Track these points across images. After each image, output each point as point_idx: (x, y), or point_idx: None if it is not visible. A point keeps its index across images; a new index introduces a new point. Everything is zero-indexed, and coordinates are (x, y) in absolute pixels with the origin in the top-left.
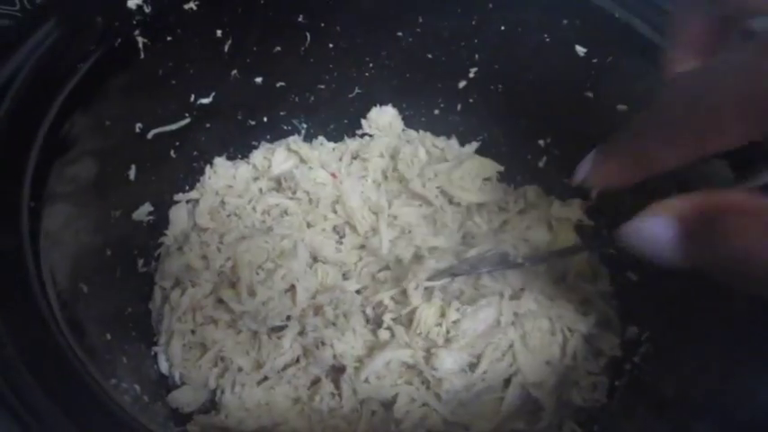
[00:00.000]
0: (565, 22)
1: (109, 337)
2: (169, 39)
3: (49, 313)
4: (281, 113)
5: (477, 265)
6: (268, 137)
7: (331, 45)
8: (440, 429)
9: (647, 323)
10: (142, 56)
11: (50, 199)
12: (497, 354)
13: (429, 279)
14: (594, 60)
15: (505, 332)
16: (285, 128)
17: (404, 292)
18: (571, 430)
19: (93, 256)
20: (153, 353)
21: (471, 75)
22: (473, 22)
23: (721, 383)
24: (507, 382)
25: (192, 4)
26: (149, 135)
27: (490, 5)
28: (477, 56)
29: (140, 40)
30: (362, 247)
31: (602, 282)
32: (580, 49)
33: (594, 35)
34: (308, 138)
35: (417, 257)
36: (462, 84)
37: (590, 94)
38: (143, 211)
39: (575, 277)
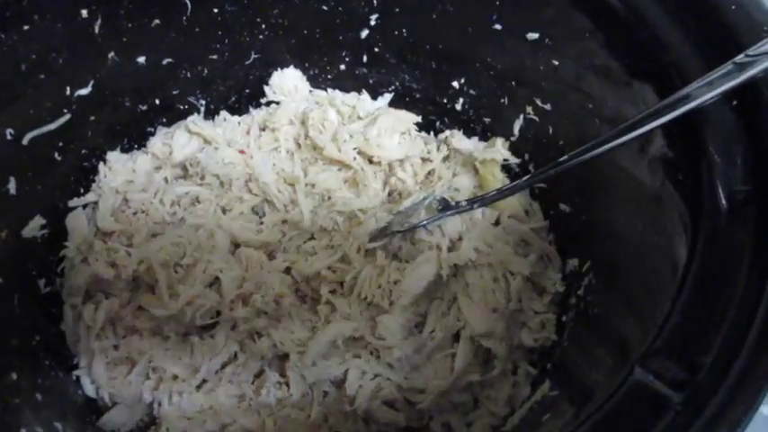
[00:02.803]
0: None
1: (14, 376)
2: (26, 28)
3: None
4: (174, 92)
5: (415, 218)
6: (164, 120)
7: (216, 10)
8: (395, 398)
9: (586, 253)
10: None
11: None
12: (443, 308)
13: (371, 240)
14: None
15: (448, 286)
16: (181, 108)
17: (342, 259)
18: (525, 371)
19: None
20: (74, 377)
21: (372, 22)
22: None
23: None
24: (456, 336)
25: None
26: (25, 140)
27: None
28: (375, 1)
29: None
30: (284, 222)
31: (535, 218)
32: None
33: None
34: (209, 115)
35: (351, 220)
36: (365, 33)
37: (498, 26)
38: (34, 226)
39: (508, 218)
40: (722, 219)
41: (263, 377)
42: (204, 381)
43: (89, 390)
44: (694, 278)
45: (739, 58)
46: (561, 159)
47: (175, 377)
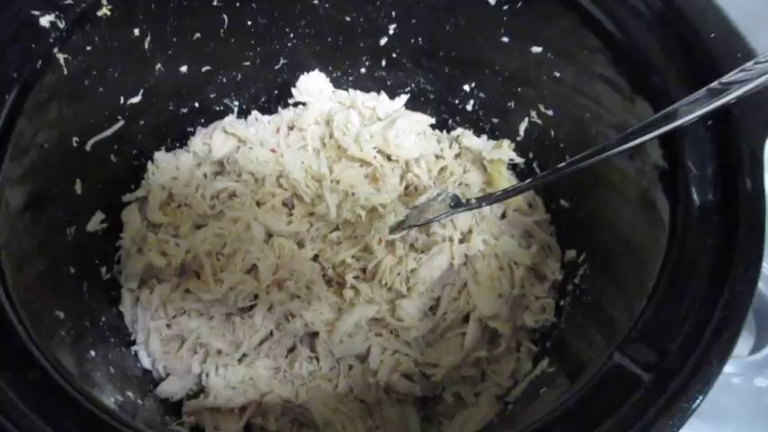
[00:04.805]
0: None
1: (93, 353)
2: (89, 48)
3: (37, 353)
4: (212, 96)
5: (430, 213)
6: (202, 121)
7: (249, 22)
8: (412, 371)
9: (582, 245)
10: (65, 71)
11: (7, 233)
12: (454, 293)
13: (391, 232)
14: (505, 7)
15: (459, 273)
16: (217, 109)
17: (365, 249)
18: (527, 349)
19: (59, 278)
20: (133, 352)
21: (391, 31)
22: None
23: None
24: (466, 318)
25: (104, 10)
26: (87, 146)
27: None
28: (393, 13)
29: (60, 56)
30: (312, 214)
31: (538, 212)
32: None
33: None
34: (242, 114)
35: (373, 213)
36: (384, 40)
37: (505, 39)
38: (96, 221)
39: (513, 212)
40: (694, 224)
41: (296, 352)
42: (245, 355)
43: (146, 363)
44: (669, 275)
45: (714, 84)
46: (561, 166)
47: (220, 352)
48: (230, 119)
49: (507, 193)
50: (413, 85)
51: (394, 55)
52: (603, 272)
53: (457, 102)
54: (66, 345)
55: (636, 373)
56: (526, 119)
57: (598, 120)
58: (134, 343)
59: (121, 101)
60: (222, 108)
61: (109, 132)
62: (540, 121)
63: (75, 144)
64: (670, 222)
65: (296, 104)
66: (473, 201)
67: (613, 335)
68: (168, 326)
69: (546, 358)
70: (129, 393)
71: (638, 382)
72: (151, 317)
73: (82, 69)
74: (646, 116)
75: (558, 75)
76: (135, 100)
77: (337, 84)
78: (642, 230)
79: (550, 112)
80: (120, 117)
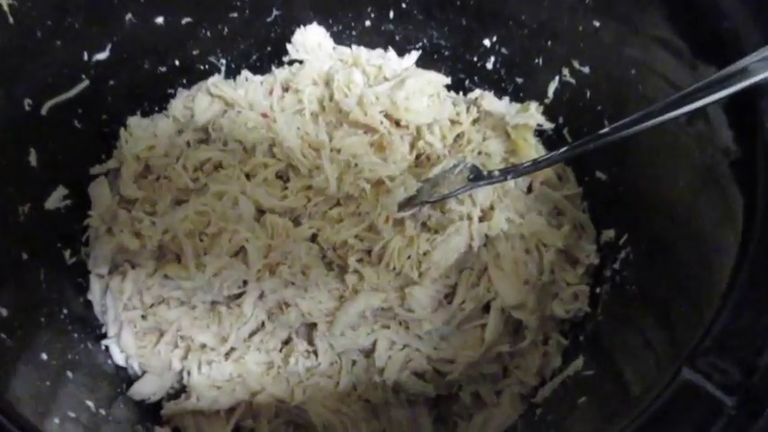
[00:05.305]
0: None
1: (44, 357)
2: None
3: None
4: (194, 53)
5: (445, 187)
6: (184, 81)
7: None
8: (425, 369)
9: (623, 225)
10: (10, 20)
11: None
12: (473, 279)
13: (399, 209)
14: None
15: (478, 257)
16: (202, 68)
17: (370, 228)
18: (557, 342)
19: (6, 266)
20: (104, 347)
21: None
22: None
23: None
24: (486, 307)
25: None
26: (43, 110)
27: None
28: None
29: (3, 1)
30: (309, 188)
31: (569, 185)
32: None
33: None
34: (230, 74)
35: (379, 187)
36: None
37: None
38: (57, 197)
39: (541, 186)
40: None
41: (291, 346)
42: (233, 349)
43: (118, 359)
44: (749, 270)
45: None
46: (604, 131)
47: (204, 346)
48: (216, 79)
49: (537, 164)
50: (425, 41)
51: (403, 5)
52: (653, 259)
53: (475, 59)
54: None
55: (714, 396)
56: (556, 78)
57: (646, 77)
58: (104, 336)
59: (85, 57)
60: (207, 67)
61: (71, 94)
62: (572, 81)
63: (27, 107)
64: (746, 205)
65: (291, 63)
66: (495, 173)
67: (675, 341)
68: (144, 317)
69: (581, 357)
70: (90, 403)
71: (718, 407)
72: (124, 306)
73: (32, 18)
74: (709, 73)
75: (596, 24)
76: (101, 56)
77: (338, 39)
78: (707, 214)
79: (586, 70)
80: (84, 76)
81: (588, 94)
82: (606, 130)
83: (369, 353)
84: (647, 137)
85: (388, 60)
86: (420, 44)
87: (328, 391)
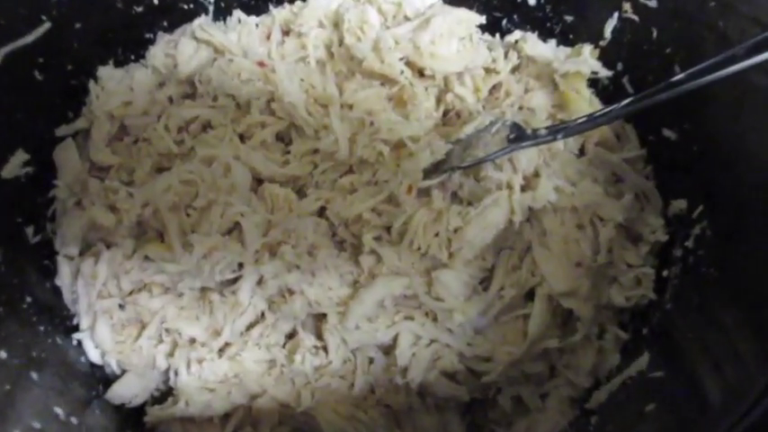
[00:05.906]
0: None
1: (3, 355)
2: None
3: None
4: None
5: (480, 149)
6: (165, 24)
7: None
8: (456, 368)
9: (698, 194)
10: None
11: None
12: (513, 261)
13: (425, 177)
14: None
15: (521, 234)
16: (185, 7)
17: (389, 200)
18: (614, 336)
19: None
20: (75, 341)
21: None
22: None
23: None
24: (530, 295)
25: None
26: None
27: None
28: None
29: None
30: (315, 152)
31: (629, 146)
32: None
33: None
34: (220, 15)
35: (399, 150)
36: None
37: None
38: (16, 163)
39: (595, 147)
40: None
41: (297, 341)
42: (227, 344)
43: (93, 355)
44: None
45: None
46: (675, 79)
47: (193, 341)
48: (203, 20)
49: (592, 120)
50: None
51: None
52: (736, 236)
53: None
54: None
55: None
56: (615, 14)
57: (727, 13)
58: (76, 329)
59: None
60: (192, 6)
61: (29, 39)
62: (635, 17)
63: None
64: None
65: (292, 0)
66: (541, 131)
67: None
68: (122, 306)
69: (645, 353)
70: (59, 410)
71: None
72: (98, 294)
73: None
74: None
75: None
76: None
77: None
78: None
79: (652, 3)
80: (44, 17)
81: (655, 33)
82: (680, 76)
83: (389, 349)
84: (729, 86)
85: None
86: None
87: (341, 394)
